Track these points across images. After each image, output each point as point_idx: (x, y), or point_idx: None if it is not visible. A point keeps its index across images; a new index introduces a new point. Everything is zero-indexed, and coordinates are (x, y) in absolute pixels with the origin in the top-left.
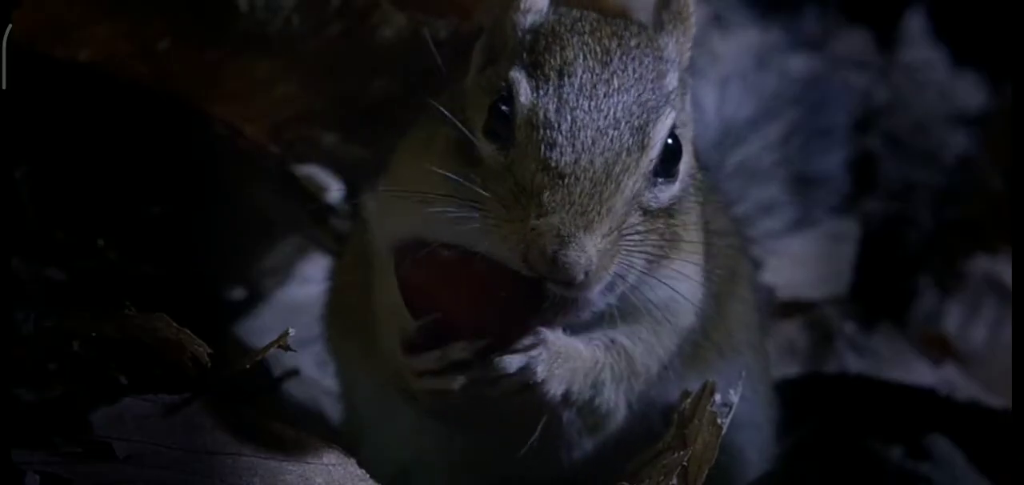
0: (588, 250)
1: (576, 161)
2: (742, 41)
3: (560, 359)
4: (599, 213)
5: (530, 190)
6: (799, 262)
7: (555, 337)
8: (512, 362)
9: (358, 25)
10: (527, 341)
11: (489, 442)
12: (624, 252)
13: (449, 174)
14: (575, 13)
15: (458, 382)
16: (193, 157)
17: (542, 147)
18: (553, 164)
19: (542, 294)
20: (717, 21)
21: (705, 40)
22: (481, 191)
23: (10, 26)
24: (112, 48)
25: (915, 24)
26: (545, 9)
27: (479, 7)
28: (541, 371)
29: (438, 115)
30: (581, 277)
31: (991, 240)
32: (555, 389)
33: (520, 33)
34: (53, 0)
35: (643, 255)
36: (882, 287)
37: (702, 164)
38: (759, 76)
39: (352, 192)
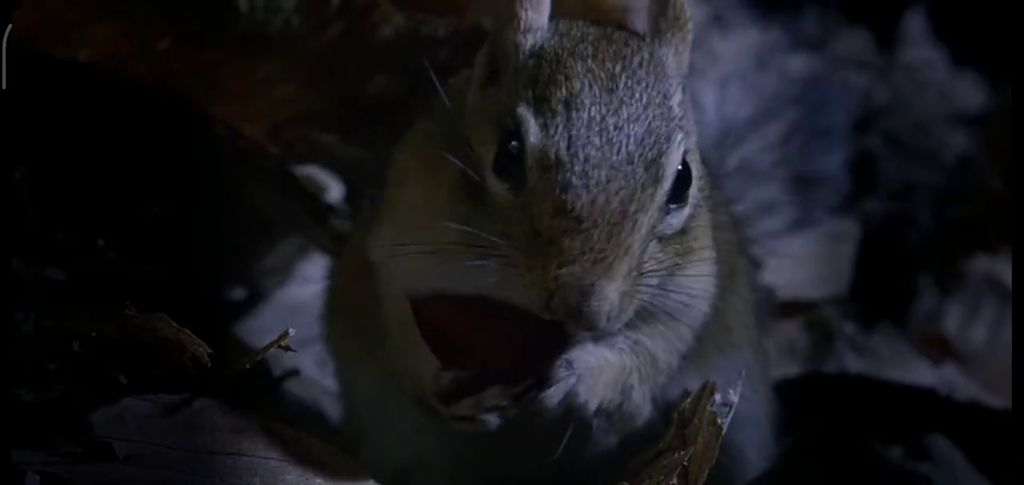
0: (610, 297)
1: (592, 202)
2: (742, 41)
3: (592, 375)
4: (618, 256)
5: (547, 236)
6: (799, 262)
7: (585, 356)
8: (553, 397)
9: (358, 25)
10: (561, 372)
11: (491, 442)
12: (644, 284)
13: (460, 221)
14: (575, 32)
15: (495, 423)
16: (193, 157)
17: (556, 190)
18: (569, 207)
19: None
20: (717, 21)
21: (705, 40)
22: (495, 238)
23: (10, 26)
24: (112, 48)
25: (915, 24)
26: (545, 26)
27: (473, 5)
28: (580, 393)
29: (441, 118)
30: (604, 322)
31: (991, 240)
32: (591, 405)
33: (522, 56)
34: (53, 0)
35: (659, 276)
36: (882, 287)
37: (702, 163)
38: (759, 76)
39: (352, 192)
